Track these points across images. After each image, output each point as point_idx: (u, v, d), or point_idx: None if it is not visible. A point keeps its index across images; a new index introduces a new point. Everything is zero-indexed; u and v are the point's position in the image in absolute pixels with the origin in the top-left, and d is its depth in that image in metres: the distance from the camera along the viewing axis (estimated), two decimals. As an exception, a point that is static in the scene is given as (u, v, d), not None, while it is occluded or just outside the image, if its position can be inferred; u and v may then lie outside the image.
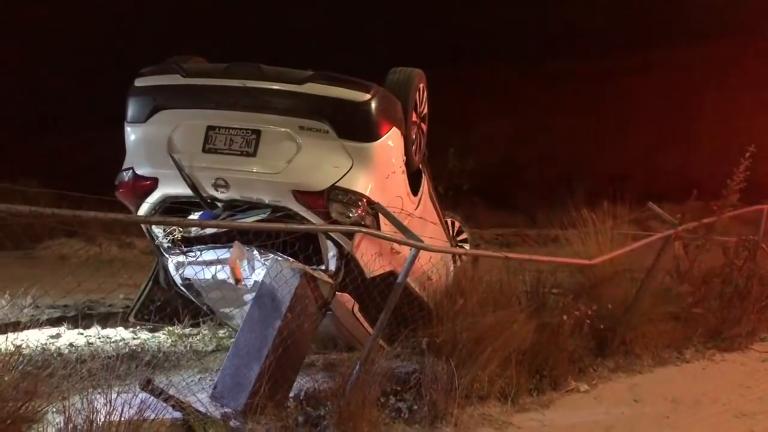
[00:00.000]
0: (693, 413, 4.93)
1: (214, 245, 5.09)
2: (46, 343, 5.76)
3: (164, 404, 3.95)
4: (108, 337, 6.07)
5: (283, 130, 4.87)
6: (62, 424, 3.62)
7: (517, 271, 6.13)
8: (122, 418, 3.63)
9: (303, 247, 4.78)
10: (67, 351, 5.57)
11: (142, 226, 5.37)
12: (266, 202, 4.83)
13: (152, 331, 6.22)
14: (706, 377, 5.84)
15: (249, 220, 4.82)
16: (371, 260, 4.96)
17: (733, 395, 5.32)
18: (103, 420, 3.61)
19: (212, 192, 4.86)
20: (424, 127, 5.56)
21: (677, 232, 6.68)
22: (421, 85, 5.39)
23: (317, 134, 4.80)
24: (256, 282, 4.79)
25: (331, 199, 4.73)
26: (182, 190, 4.91)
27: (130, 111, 5.12)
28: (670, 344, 6.33)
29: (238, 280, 4.78)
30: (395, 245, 4.98)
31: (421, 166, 5.67)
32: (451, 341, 4.90)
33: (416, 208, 5.48)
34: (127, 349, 5.71)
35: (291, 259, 4.75)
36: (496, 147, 21.92)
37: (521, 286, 6.02)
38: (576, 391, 5.28)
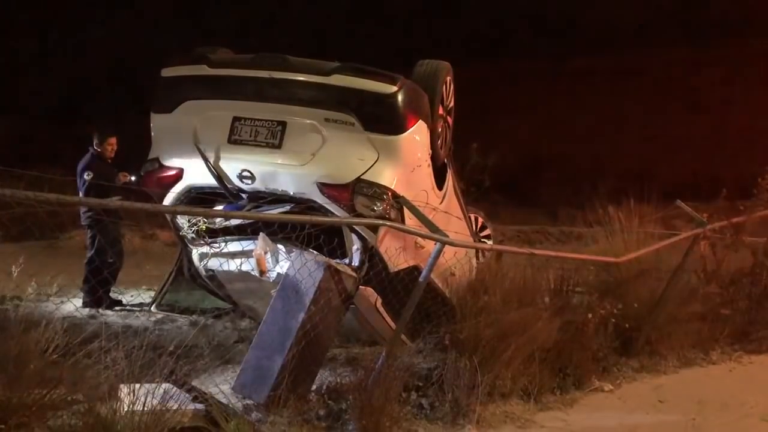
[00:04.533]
0: (720, 415, 4.84)
1: (239, 237, 5.09)
2: (69, 332, 5.80)
3: (186, 395, 3.97)
4: (130, 327, 6.10)
5: (308, 121, 4.84)
6: (86, 413, 3.65)
7: (540, 268, 6.07)
8: (145, 408, 3.64)
9: (327, 240, 4.76)
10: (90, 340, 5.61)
11: (167, 216, 5.38)
12: (291, 194, 4.81)
13: (174, 321, 6.25)
14: (733, 379, 5.74)
15: (274, 212, 4.82)
16: (395, 254, 4.92)
17: (761, 398, 5.21)
18: (126, 409, 3.63)
19: (237, 183, 4.85)
20: (450, 120, 5.50)
21: (705, 231, 6.57)
22: (448, 78, 5.34)
23: (343, 126, 4.76)
24: (279, 274, 4.78)
25: (356, 192, 4.70)
26: (208, 180, 4.92)
27: (157, 101, 5.14)
28: (696, 345, 6.24)
29: (262, 272, 4.77)
30: (419, 240, 4.94)
31: (446, 160, 5.62)
32: (474, 338, 4.85)
33: (441, 203, 5.43)
34: (149, 340, 5.74)
35: (315, 252, 4.73)
36: (518, 143, 21.78)
37: (545, 284, 5.96)
38: (600, 391, 5.22)
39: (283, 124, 4.86)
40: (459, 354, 4.73)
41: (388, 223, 4.56)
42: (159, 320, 6.29)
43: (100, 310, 6.62)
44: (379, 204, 4.70)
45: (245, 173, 4.81)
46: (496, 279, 5.51)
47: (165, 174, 5.01)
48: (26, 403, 3.54)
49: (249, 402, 4.27)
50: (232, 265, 5.06)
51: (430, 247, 4.69)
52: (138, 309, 6.67)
